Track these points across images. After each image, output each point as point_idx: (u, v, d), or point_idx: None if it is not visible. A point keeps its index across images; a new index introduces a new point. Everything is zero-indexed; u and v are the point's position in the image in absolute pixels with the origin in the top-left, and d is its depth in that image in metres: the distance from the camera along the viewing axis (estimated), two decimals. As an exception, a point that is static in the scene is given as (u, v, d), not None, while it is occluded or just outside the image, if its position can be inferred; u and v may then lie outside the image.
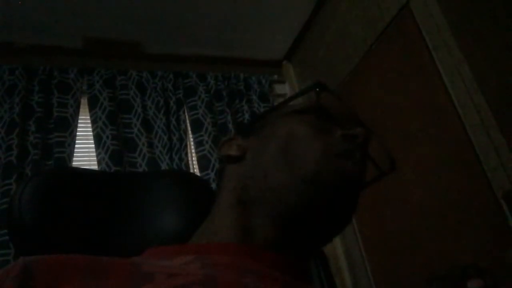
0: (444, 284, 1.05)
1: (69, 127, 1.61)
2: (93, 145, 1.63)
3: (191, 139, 1.82)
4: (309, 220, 0.42)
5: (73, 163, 1.59)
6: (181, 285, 0.31)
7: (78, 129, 1.66)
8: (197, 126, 1.81)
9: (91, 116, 1.68)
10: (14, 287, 0.29)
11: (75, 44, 1.81)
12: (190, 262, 0.36)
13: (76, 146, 1.62)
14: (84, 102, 1.74)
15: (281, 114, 0.50)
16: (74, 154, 1.60)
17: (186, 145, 1.77)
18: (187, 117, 1.86)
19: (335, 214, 0.43)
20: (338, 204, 0.43)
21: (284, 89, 2.21)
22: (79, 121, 1.68)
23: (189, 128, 1.83)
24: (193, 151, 1.82)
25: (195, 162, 1.79)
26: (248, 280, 0.34)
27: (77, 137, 1.63)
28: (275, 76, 2.19)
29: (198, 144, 1.77)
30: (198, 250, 0.40)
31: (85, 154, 1.71)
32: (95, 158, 1.61)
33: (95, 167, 1.59)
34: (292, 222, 0.42)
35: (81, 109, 1.71)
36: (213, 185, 1.56)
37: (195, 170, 1.78)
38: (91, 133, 1.66)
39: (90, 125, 1.68)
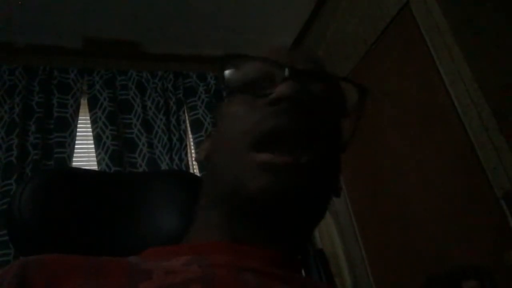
0: (441, 284, 1.05)
1: (69, 127, 1.61)
2: (93, 145, 1.63)
3: (191, 139, 1.82)
4: (272, 220, 0.39)
5: (73, 163, 1.59)
6: (179, 282, 0.31)
7: (78, 129, 1.66)
8: (197, 126, 1.81)
9: (91, 116, 1.68)
10: (13, 285, 0.29)
11: (75, 44, 1.81)
12: (188, 264, 0.35)
13: (76, 146, 1.62)
14: (84, 102, 1.74)
15: (227, 96, 0.47)
16: (74, 154, 1.60)
17: (186, 145, 1.77)
18: (187, 117, 1.86)
19: (291, 214, 0.38)
20: (283, 204, 0.37)
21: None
22: (79, 121, 1.68)
23: (189, 128, 1.84)
24: (193, 151, 1.82)
25: (195, 162, 1.79)
26: (248, 277, 0.34)
27: (77, 137, 1.63)
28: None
29: (198, 144, 1.77)
30: (194, 250, 0.39)
31: (85, 154, 1.71)
32: (95, 158, 1.61)
33: (95, 167, 1.59)
34: (259, 221, 0.39)
35: (81, 109, 1.71)
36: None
37: (195, 170, 1.78)
38: (91, 133, 1.66)
39: (90, 125, 1.68)
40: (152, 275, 0.32)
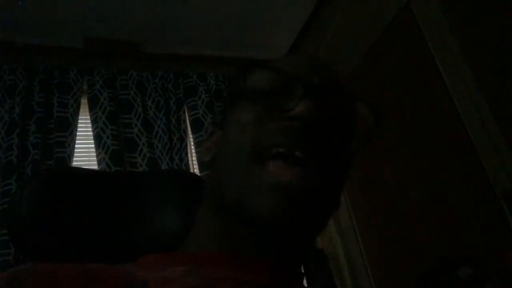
0: (437, 272, 1.05)
1: (69, 127, 1.61)
2: (93, 145, 1.63)
3: (191, 139, 1.82)
4: (270, 231, 0.37)
5: (73, 163, 1.59)
6: None
7: (78, 129, 1.66)
8: (197, 126, 1.81)
9: (91, 116, 1.68)
10: None
11: (75, 44, 1.81)
12: (186, 275, 0.35)
13: (76, 146, 1.62)
14: (84, 102, 1.74)
15: (237, 101, 0.44)
16: (74, 154, 1.60)
17: (186, 145, 1.77)
18: (187, 117, 1.86)
19: (285, 229, 0.36)
20: (279, 221, 0.35)
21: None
22: (79, 121, 1.68)
23: (189, 128, 1.84)
24: (193, 151, 1.82)
25: (195, 162, 1.79)
26: None
27: (77, 137, 1.63)
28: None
29: (198, 144, 1.77)
30: (193, 260, 0.38)
31: (85, 154, 1.71)
32: (95, 158, 1.61)
33: (95, 167, 1.59)
34: (260, 230, 0.37)
35: (81, 109, 1.71)
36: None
37: (195, 170, 1.78)
38: (91, 133, 1.66)
39: (90, 125, 1.68)
40: (148, 285, 0.32)
